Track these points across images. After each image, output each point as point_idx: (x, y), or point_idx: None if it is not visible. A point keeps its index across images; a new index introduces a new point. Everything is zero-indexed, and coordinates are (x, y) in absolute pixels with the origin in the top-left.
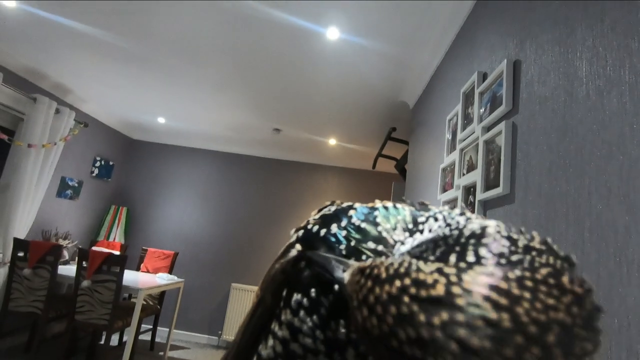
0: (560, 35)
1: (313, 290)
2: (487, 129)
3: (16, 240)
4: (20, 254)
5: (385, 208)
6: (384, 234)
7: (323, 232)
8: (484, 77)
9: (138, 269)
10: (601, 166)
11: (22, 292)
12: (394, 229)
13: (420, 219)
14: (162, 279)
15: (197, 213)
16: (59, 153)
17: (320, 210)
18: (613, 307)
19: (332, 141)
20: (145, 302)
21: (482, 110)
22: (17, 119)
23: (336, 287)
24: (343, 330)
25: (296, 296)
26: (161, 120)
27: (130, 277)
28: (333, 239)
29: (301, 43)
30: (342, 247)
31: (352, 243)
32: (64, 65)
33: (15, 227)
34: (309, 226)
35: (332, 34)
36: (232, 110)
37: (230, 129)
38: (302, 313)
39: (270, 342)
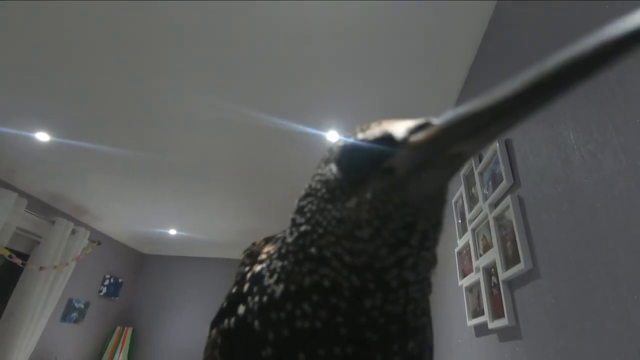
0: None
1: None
2: (494, 205)
3: None
4: None
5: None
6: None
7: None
8: (480, 158)
9: None
10: (619, 222)
11: None
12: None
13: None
14: None
15: (206, 328)
16: (69, 274)
17: None
18: None
19: None
20: None
21: (485, 189)
22: (33, 242)
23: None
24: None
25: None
26: (172, 232)
27: None
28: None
29: (305, 147)
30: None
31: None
32: (85, 186)
33: (14, 358)
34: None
35: (332, 136)
36: (242, 217)
37: (240, 234)
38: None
39: None
